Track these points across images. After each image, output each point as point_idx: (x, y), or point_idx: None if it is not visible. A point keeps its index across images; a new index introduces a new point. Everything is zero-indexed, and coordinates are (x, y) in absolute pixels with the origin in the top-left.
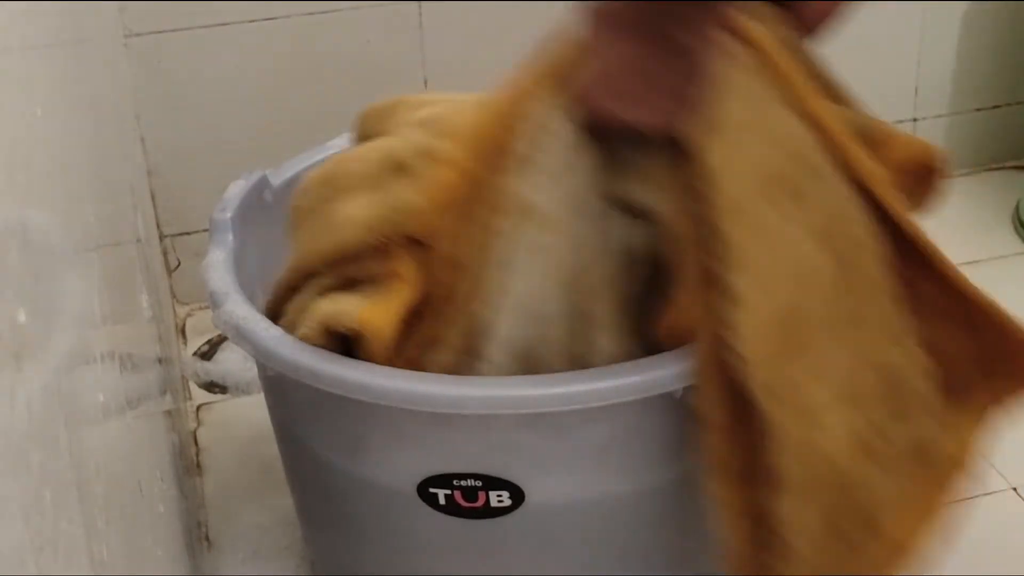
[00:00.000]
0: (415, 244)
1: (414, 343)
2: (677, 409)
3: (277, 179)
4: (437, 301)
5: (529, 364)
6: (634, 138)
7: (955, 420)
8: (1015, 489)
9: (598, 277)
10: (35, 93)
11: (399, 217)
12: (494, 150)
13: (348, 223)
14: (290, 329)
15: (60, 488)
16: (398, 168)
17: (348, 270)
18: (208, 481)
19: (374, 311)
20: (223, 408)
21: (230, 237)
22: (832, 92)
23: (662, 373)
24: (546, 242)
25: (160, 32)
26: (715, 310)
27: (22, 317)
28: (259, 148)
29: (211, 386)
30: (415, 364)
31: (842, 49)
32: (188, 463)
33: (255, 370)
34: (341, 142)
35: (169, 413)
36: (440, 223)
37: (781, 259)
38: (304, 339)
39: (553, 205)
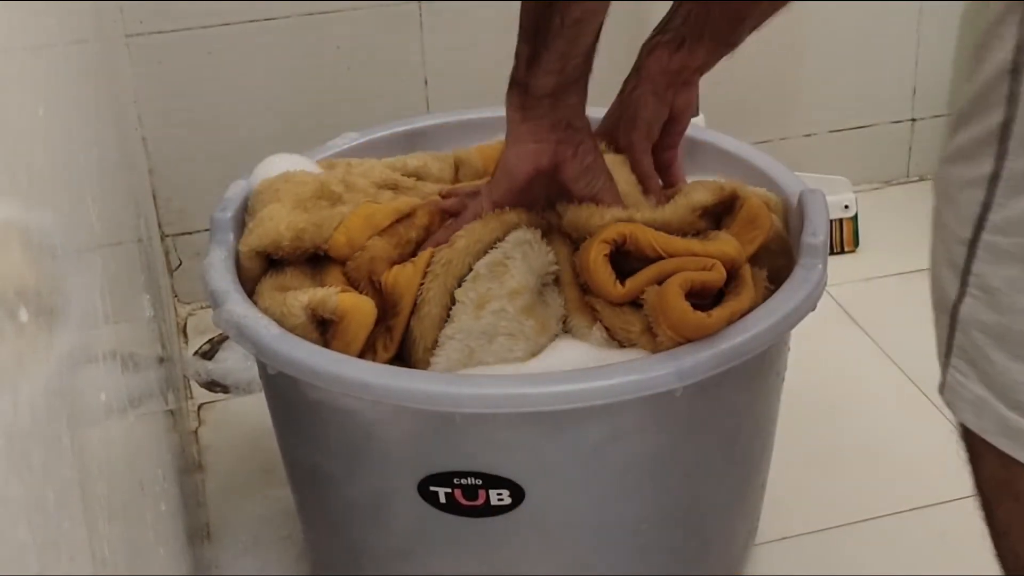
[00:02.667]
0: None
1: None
2: (676, 408)
3: None
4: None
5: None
6: None
7: None
8: None
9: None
10: (37, 93)
11: (316, 230)
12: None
13: (270, 223)
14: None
15: (62, 487)
16: (328, 196)
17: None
18: (209, 480)
19: (353, 298)
20: (224, 407)
21: (231, 237)
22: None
23: (661, 372)
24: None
25: (161, 32)
26: None
27: (24, 316)
28: (259, 148)
29: (212, 385)
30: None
31: (841, 50)
32: (189, 462)
33: (256, 369)
34: (341, 142)
35: (171, 412)
36: (358, 240)
37: None
38: (294, 330)
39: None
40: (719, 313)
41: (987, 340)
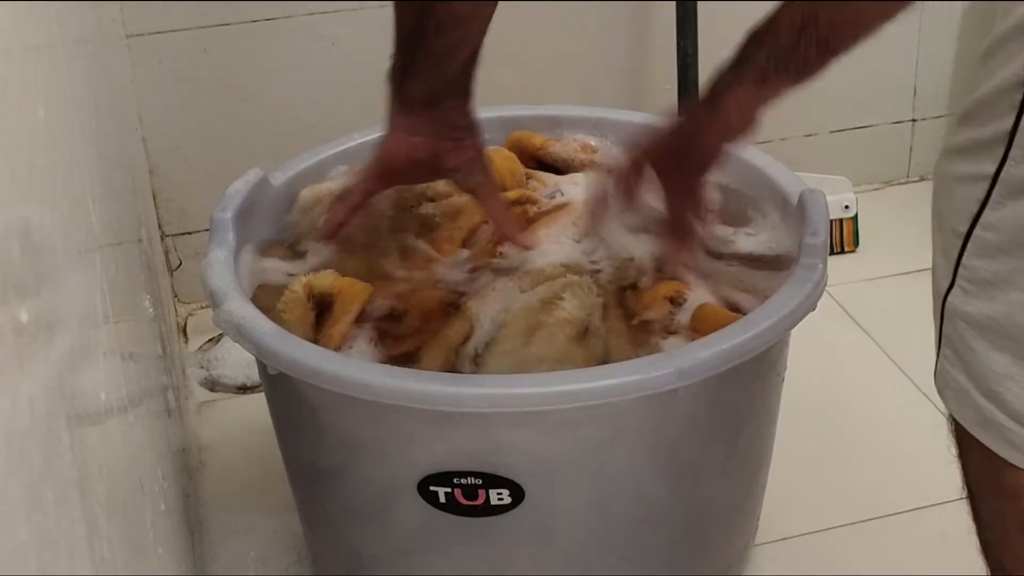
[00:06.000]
0: None
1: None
2: (676, 408)
3: (277, 179)
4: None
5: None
6: None
7: None
8: None
9: None
10: (37, 94)
11: None
12: None
13: None
14: None
15: (62, 487)
16: None
17: None
18: (209, 479)
19: (349, 281)
20: (224, 407)
21: (230, 236)
22: None
23: (661, 372)
24: None
25: (161, 32)
26: None
27: (24, 316)
28: (259, 148)
29: (212, 384)
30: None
31: None
32: (189, 461)
33: (256, 369)
34: (342, 142)
35: (170, 412)
36: None
37: None
38: (290, 300)
39: None
40: None
41: (971, 330)
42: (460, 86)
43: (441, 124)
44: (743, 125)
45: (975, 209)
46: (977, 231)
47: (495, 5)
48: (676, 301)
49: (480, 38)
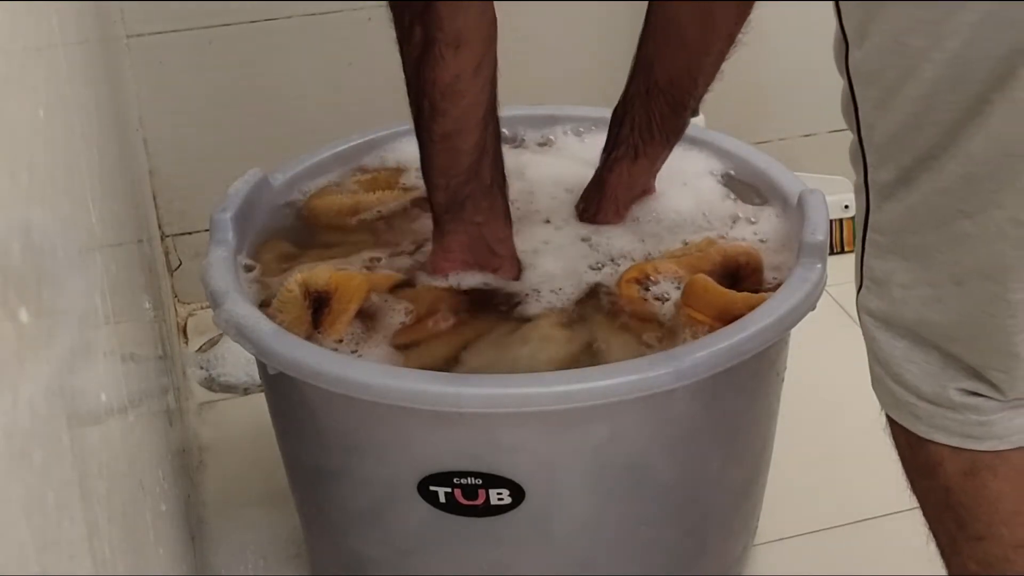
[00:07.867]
0: None
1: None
2: (675, 407)
3: (277, 179)
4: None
5: None
6: None
7: None
8: None
9: None
10: (37, 94)
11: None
12: None
13: None
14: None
15: (62, 487)
16: None
17: None
18: (209, 479)
19: (346, 276)
20: (224, 407)
21: (231, 237)
22: None
23: (661, 372)
24: None
25: (161, 33)
26: None
27: (25, 316)
28: (259, 148)
29: (212, 384)
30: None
31: None
32: (189, 462)
33: (256, 369)
34: (342, 142)
35: (170, 412)
36: None
37: None
38: (285, 300)
39: None
40: (743, 295)
41: (874, 323)
42: (478, 195)
43: (480, 246)
44: (632, 197)
45: (864, 214)
46: (869, 234)
47: (486, 85)
48: (647, 282)
49: (482, 128)
